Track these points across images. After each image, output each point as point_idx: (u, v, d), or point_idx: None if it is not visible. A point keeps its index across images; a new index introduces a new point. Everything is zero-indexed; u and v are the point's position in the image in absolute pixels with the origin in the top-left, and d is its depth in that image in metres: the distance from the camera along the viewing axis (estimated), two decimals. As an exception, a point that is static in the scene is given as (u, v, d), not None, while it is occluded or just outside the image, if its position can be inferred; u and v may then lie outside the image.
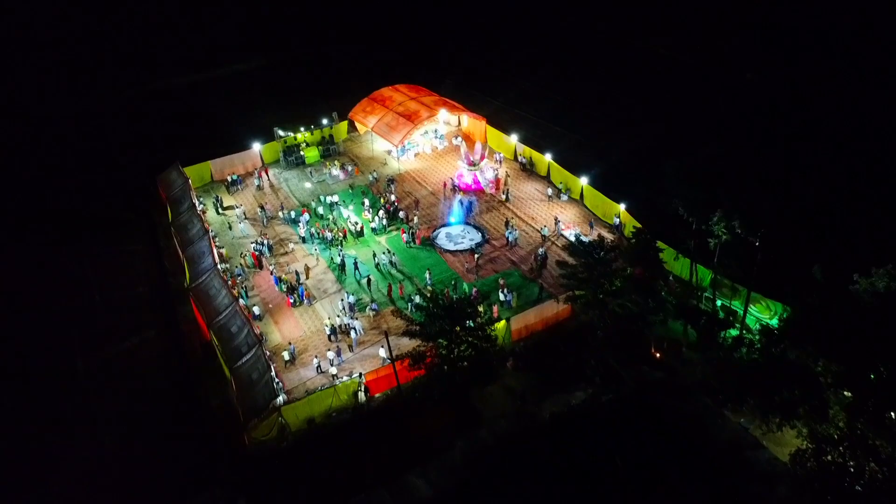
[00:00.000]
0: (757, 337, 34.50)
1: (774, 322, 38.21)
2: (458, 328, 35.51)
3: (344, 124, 68.75)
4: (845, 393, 31.88)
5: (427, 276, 46.68)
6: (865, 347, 30.55)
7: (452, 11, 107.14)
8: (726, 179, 34.41)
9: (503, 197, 56.86)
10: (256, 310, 45.34)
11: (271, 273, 49.00)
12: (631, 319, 39.17)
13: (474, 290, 44.79)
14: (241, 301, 44.18)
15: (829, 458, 29.00)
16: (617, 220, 50.62)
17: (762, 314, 40.95)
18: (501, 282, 45.58)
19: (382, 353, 38.56)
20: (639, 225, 45.06)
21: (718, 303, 41.27)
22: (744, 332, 38.42)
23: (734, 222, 33.91)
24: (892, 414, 30.30)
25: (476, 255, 49.24)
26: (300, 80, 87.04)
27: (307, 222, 54.07)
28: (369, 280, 47.69)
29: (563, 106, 73.58)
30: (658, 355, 39.95)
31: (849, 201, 42.04)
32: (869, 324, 31.06)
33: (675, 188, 36.15)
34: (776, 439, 33.70)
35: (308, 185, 61.05)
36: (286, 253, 51.89)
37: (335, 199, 57.69)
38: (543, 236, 50.90)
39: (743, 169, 35.33)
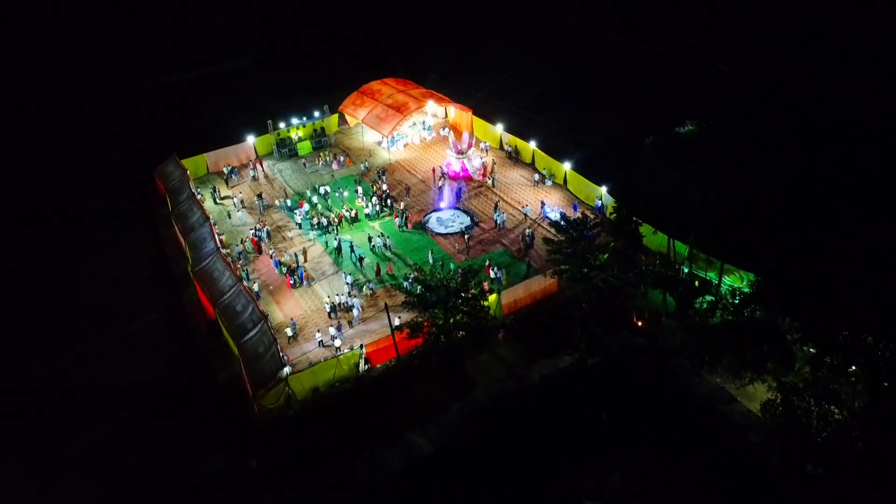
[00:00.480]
0: (729, 300, 37.38)
1: (746, 289, 40.98)
2: (452, 299, 38.00)
3: (335, 117, 70.99)
4: (810, 349, 34.86)
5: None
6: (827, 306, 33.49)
7: (436, 8, 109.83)
8: (699, 154, 37.24)
9: (489, 182, 59.45)
10: (255, 286, 47.46)
11: (271, 257, 51.14)
12: (613, 292, 41.95)
13: (459, 270, 46.95)
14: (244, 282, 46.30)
15: (796, 403, 31.78)
16: (598, 203, 53.35)
17: (735, 284, 43.75)
18: (488, 263, 47.93)
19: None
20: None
21: (685, 269, 43.77)
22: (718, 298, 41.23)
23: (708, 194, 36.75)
24: (853, 367, 33.24)
25: (466, 237, 51.75)
26: (291, 75, 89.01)
27: (306, 213, 56.18)
28: (361, 259, 50.12)
29: (544, 96, 76.30)
30: (640, 324, 42.69)
31: (813, 176, 44.92)
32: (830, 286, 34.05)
33: (652, 164, 38.88)
34: (749, 395, 36.60)
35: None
36: (284, 239, 54.03)
37: (328, 188, 59.92)
38: (525, 215, 53.89)
39: (714, 145, 38.09)
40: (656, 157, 38.73)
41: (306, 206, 56.87)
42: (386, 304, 40.92)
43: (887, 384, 31.69)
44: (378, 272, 48.97)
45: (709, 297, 40.39)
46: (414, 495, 31.56)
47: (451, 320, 38.57)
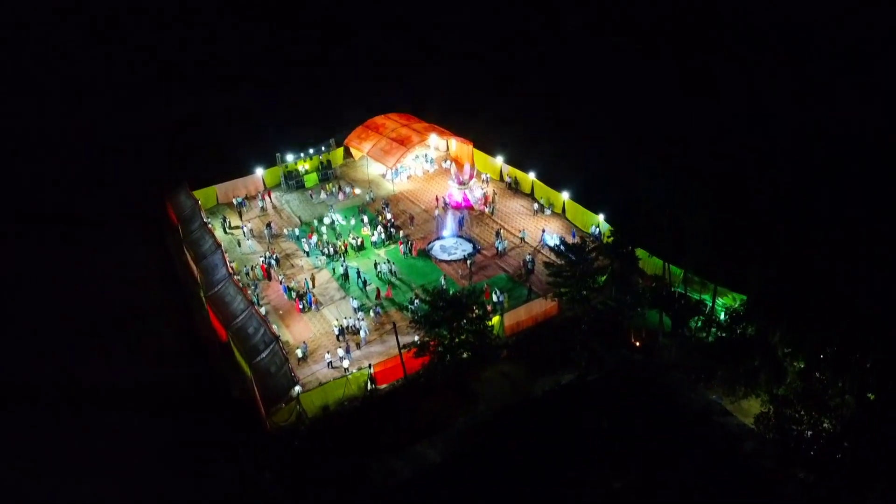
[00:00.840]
0: (723, 317, 39.25)
1: (739, 308, 42.80)
2: (458, 318, 39.81)
3: (340, 150, 73.57)
4: (800, 364, 36.55)
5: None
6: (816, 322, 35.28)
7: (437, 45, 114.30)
8: (695, 172, 39.57)
9: (487, 210, 61.85)
10: (263, 310, 49.13)
11: (280, 283, 52.96)
12: (611, 313, 43.79)
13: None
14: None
15: (788, 413, 33.31)
16: (595, 229, 55.48)
17: (728, 304, 45.56)
18: (486, 287, 49.58)
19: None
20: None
21: (679, 289, 45.52)
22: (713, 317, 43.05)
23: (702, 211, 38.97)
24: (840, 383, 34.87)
25: (469, 263, 53.73)
26: (299, 110, 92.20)
27: (315, 245, 58.13)
28: (365, 283, 52.20)
29: (542, 125, 79.16)
30: (637, 343, 44.39)
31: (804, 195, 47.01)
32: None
33: (648, 182, 41.14)
34: (743, 411, 38.19)
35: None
36: (293, 266, 55.93)
37: (335, 217, 62.08)
38: (522, 239, 56.36)
39: (710, 163, 40.40)
40: (652, 178, 41.03)
41: (315, 238, 58.84)
42: (394, 323, 42.70)
43: (873, 396, 33.45)
44: (378, 296, 50.85)
45: (702, 318, 42.23)
46: (423, 501, 32.85)
47: (457, 339, 40.33)
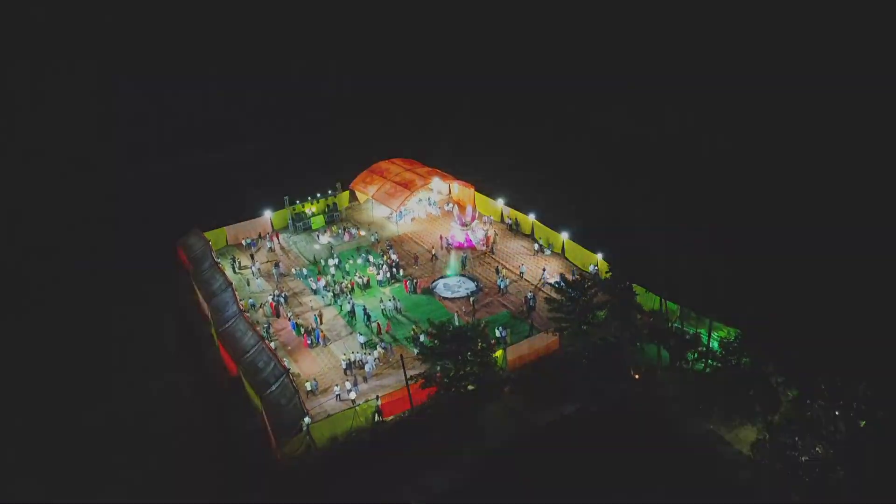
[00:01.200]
0: (718, 348, 40.79)
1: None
2: (463, 351, 41.29)
3: (346, 194, 75.95)
4: (793, 393, 37.92)
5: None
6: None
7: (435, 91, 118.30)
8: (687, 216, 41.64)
9: (486, 249, 64.07)
10: (273, 345, 50.49)
11: (289, 320, 54.47)
12: (611, 348, 45.25)
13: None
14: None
15: (783, 440, 34.51)
16: (594, 268, 57.28)
17: (723, 336, 47.01)
18: (484, 324, 50.72)
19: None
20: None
21: (676, 325, 47.06)
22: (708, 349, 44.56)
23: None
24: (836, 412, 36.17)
25: (472, 300, 55.37)
26: (306, 156, 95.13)
27: (324, 286, 59.79)
28: (368, 317, 53.94)
29: (541, 171, 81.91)
30: (637, 377, 45.70)
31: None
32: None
33: (644, 226, 43.17)
34: (740, 441, 39.29)
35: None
36: (300, 304, 57.53)
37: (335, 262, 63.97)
38: (521, 274, 58.41)
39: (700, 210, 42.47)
40: (648, 219, 43.11)
41: (323, 280, 60.53)
42: (402, 355, 44.12)
43: (864, 422, 34.71)
44: (379, 331, 52.43)
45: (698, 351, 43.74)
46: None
47: (462, 371, 41.69)
